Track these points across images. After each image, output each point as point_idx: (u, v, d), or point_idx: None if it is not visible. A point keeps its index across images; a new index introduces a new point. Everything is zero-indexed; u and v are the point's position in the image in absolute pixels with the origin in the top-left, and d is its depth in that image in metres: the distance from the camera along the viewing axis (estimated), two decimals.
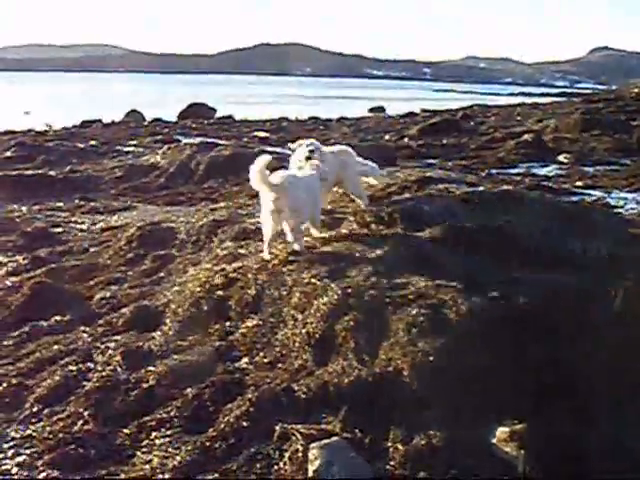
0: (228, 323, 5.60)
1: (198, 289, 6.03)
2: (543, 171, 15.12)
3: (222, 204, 10.40)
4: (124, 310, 6.16)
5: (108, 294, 6.67)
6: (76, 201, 12.12)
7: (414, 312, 4.86)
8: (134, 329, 5.81)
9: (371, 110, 51.03)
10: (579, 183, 13.03)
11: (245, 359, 5.11)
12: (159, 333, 5.65)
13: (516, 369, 4.57)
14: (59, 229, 9.65)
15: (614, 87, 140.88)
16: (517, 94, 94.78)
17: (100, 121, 32.57)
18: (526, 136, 19.88)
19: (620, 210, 10.16)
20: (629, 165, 15.61)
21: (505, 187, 7.76)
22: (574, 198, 11.20)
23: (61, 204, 11.76)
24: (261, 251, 6.65)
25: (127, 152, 18.75)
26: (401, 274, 5.48)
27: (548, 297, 5.05)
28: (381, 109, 51.89)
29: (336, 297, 5.21)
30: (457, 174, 9.97)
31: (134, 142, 21.76)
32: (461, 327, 4.73)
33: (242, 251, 6.82)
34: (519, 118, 33.11)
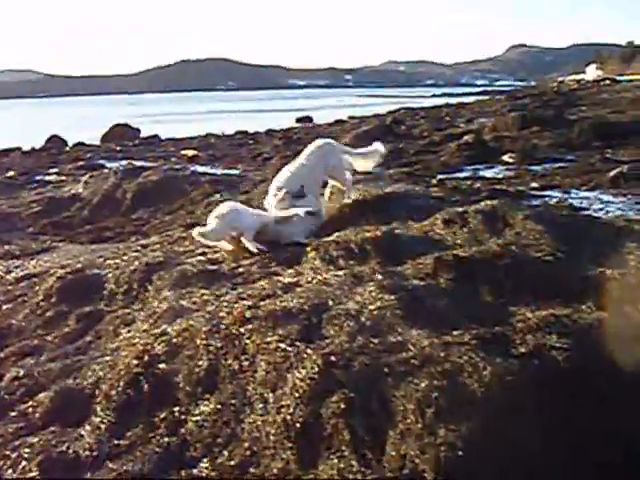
0: (177, 408, 4.29)
1: (135, 362, 4.69)
2: (490, 172, 14.21)
3: (155, 238, 9.09)
4: (42, 395, 4.76)
5: (22, 372, 5.26)
6: None
7: (423, 385, 3.68)
8: (56, 423, 4.45)
9: (298, 120, 50.02)
10: (534, 184, 12.13)
11: (205, 461, 3.83)
12: (88, 428, 4.30)
13: (567, 450, 3.45)
14: None
15: (533, 83, 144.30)
16: (440, 95, 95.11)
17: (19, 149, 30.82)
18: (466, 137, 19.15)
19: (589, 212, 9.22)
20: (576, 161, 14.78)
21: (488, 203, 6.61)
22: (535, 202, 10.32)
23: None
24: (207, 301, 5.46)
25: (48, 182, 17.33)
26: (394, 328, 4.30)
27: (586, 347, 3.95)
28: (308, 119, 50.92)
29: (316, 368, 3.97)
30: (420, 188, 8.83)
31: (55, 170, 20.34)
32: (489, 401, 3.57)
33: (185, 303, 5.54)
34: (448, 119, 32.66)
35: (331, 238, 6.16)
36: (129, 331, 5.45)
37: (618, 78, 61.66)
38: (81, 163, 20.96)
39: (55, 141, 35.86)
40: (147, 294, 6.26)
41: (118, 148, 28.74)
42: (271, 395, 4.02)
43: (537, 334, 4.08)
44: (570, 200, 10.50)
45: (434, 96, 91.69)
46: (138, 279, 6.55)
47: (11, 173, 19.86)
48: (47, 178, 18.32)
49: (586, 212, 9.20)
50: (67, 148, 32.65)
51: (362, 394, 3.75)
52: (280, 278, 5.69)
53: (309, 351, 4.15)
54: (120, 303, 6.30)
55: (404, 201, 7.33)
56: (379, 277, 5.12)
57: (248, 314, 4.77)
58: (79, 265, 7.38)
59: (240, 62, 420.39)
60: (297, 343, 4.27)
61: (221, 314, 4.95)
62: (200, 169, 16.68)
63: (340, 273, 5.38)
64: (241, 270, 6.32)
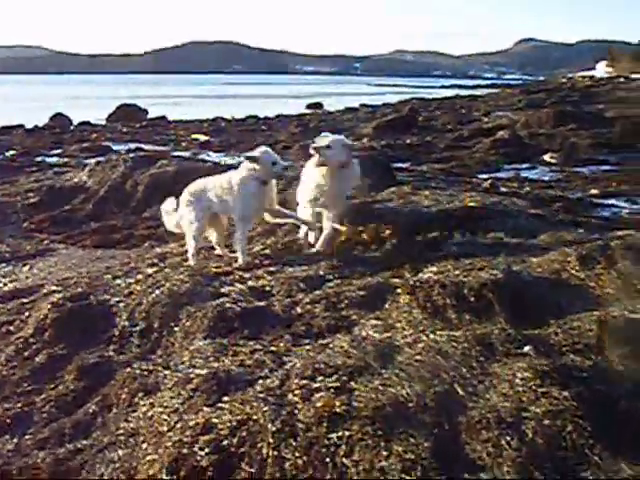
0: None
1: (166, 478, 3.05)
2: (534, 174, 12.97)
3: (174, 245, 7.38)
4: None
5: None
6: None
7: None
8: None
9: (309, 106, 48.57)
10: (594, 191, 10.63)
11: None
12: None
13: None
14: None
15: (541, 77, 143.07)
16: (449, 86, 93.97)
17: (22, 127, 29.21)
18: (501, 133, 17.96)
19: None
20: (621, 164, 13.68)
21: (633, 234, 4.97)
22: (604, 212, 8.81)
23: None
24: (263, 364, 3.83)
25: (49, 165, 15.79)
26: (586, 457, 2.66)
27: None
28: (319, 105, 49.46)
29: None
30: (509, 201, 7.06)
31: (58, 151, 18.93)
32: None
33: (229, 363, 3.90)
34: (463, 111, 31.72)
35: (428, 275, 4.49)
36: (152, 404, 3.78)
37: (633, 76, 60.99)
38: (86, 145, 19.59)
39: (59, 119, 34.18)
40: (173, 339, 4.63)
41: (125, 129, 27.50)
42: None
43: None
44: None
45: (443, 87, 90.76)
46: (160, 316, 4.91)
47: (11, 153, 18.40)
48: (49, 160, 16.96)
49: None
50: (71, 127, 31.22)
51: None
52: (362, 332, 4.05)
53: None
54: (136, 350, 4.66)
55: (499, 220, 5.70)
56: (517, 348, 3.48)
57: (338, 407, 3.11)
58: (80, 288, 5.72)
59: (248, 46, 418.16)
60: (434, 477, 2.62)
61: (292, 397, 3.31)
62: (217, 157, 15.21)
63: (457, 335, 3.71)
64: (299, 310, 4.68)
